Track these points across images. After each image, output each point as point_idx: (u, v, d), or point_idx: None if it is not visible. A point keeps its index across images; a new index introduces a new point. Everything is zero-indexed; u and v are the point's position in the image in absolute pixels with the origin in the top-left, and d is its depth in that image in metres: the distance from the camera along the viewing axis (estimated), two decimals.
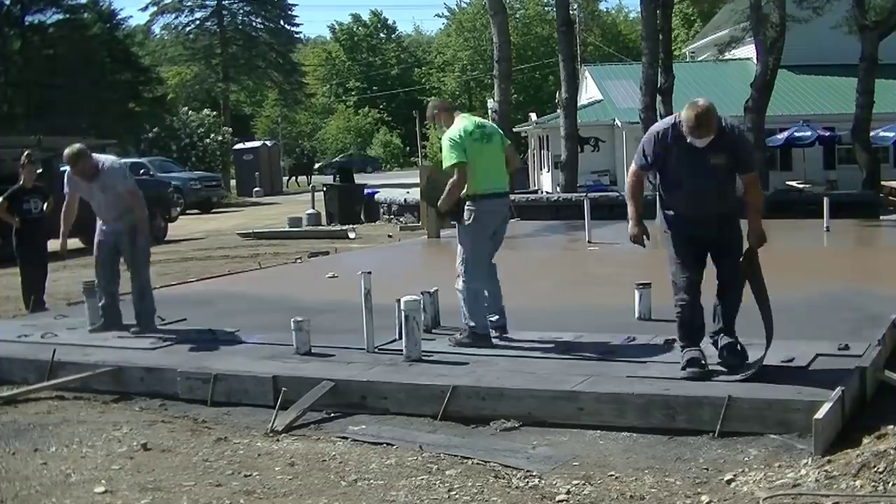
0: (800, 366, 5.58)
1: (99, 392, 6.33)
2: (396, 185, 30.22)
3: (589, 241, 14.28)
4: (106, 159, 7.77)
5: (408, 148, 68.82)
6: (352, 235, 18.91)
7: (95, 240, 7.80)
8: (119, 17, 46.88)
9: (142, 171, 29.74)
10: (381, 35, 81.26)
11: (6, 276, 11.70)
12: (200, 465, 4.66)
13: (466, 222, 6.58)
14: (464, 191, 6.51)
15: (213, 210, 32.39)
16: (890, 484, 3.89)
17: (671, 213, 5.73)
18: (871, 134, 22.56)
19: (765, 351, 5.45)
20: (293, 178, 49.87)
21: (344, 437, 5.19)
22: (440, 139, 6.77)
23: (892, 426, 4.68)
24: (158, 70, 52.83)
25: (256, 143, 45.30)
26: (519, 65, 54.59)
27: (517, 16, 65.10)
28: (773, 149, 25.25)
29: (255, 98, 73.10)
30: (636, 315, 7.39)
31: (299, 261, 13.76)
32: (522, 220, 19.53)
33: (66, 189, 7.79)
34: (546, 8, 65.59)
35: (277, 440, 5.17)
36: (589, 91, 33.81)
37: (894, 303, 7.30)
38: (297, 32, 66.87)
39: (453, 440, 5.10)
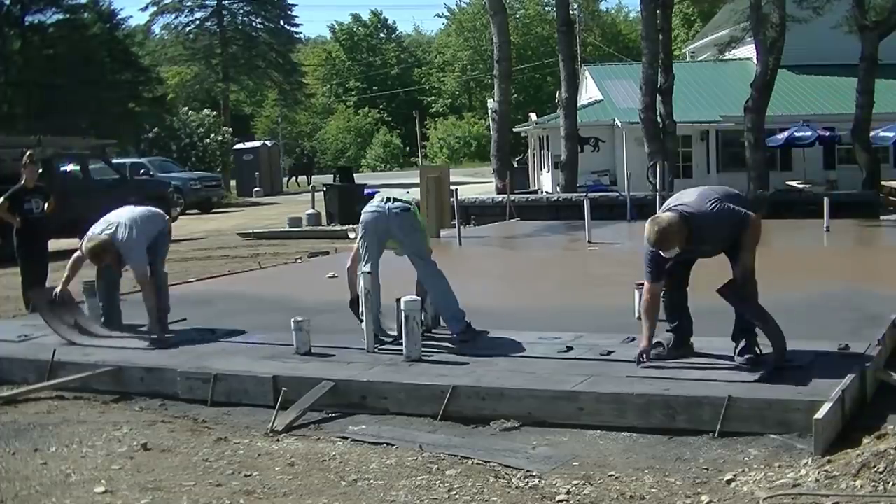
0: (800, 366, 5.58)
1: (99, 392, 6.33)
2: (396, 185, 30.21)
3: (589, 241, 14.27)
4: (122, 235, 7.33)
5: (408, 148, 68.82)
6: (352, 235, 18.87)
7: None
8: (119, 17, 46.83)
9: (142, 171, 29.78)
10: (381, 35, 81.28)
11: (6, 276, 11.70)
12: (200, 465, 4.66)
13: None
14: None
15: (213, 210, 32.38)
16: (890, 484, 3.89)
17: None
18: (871, 134, 22.55)
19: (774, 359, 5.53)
20: (293, 178, 49.86)
21: (344, 437, 5.19)
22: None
23: (892, 426, 4.68)
24: (158, 70, 52.79)
25: (256, 143, 45.27)
26: (519, 65, 54.60)
27: (517, 16, 65.14)
28: (773, 149, 25.24)
29: (255, 98, 73.08)
30: (636, 315, 7.35)
31: (299, 261, 13.76)
32: (522, 220, 19.54)
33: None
34: (546, 8, 65.65)
35: (277, 440, 5.17)
36: (589, 91, 33.80)
37: (894, 303, 7.30)
38: (297, 32, 66.84)
39: (453, 440, 5.10)
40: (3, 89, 40.40)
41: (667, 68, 22.02)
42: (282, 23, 61.37)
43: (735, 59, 29.38)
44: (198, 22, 57.28)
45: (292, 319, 6.65)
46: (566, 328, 6.98)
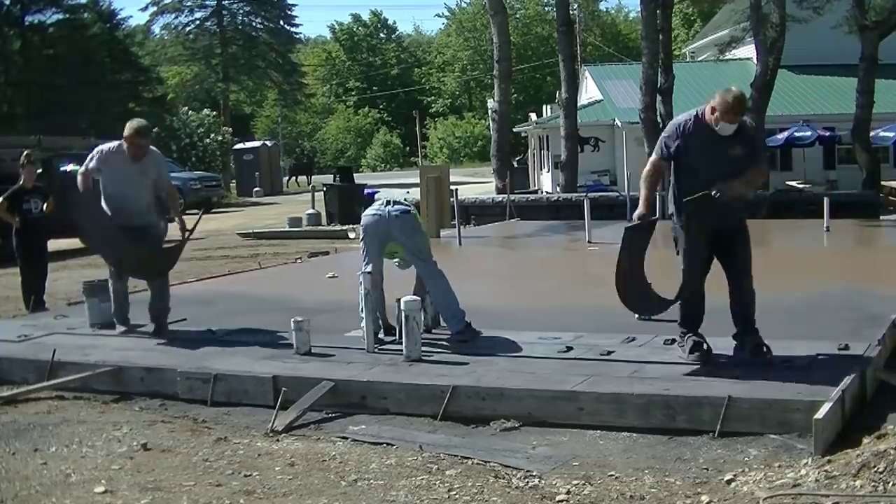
0: (800, 366, 5.59)
1: (99, 392, 6.33)
2: (396, 185, 30.22)
3: (589, 241, 14.27)
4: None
5: (408, 148, 68.82)
6: (352, 235, 18.90)
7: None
8: (119, 17, 46.91)
9: None
10: (381, 35, 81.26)
11: (6, 276, 11.70)
12: (200, 465, 4.66)
13: None
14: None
15: (213, 210, 32.35)
16: (890, 484, 3.89)
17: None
18: (871, 134, 22.56)
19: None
20: (293, 178, 49.88)
21: (344, 437, 5.19)
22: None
23: (892, 426, 4.68)
24: (158, 70, 52.83)
25: (256, 143, 45.25)
26: (519, 65, 54.61)
27: (517, 16, 65.14)
28: (773, 149, 25.23)
29: (255, 98, 73.11)
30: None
31: (299, 261, 13.76)
32: (522, 220, 19.54)
33: (91, 165, 7.47)
34: (546, 8, 65.65)
35: (277, 440, 5.17)
36: (589, 91, 33.81)
37: (894, 303, 7.30)
38: (296, 32, 66.94)
39: (453, 440, 5.10)
40: (3, 89, 40.42)
41: (667, 68, 22.01)
42: (282, 23, 61.44)
43: (735, 59, 29.38)
44: (198, 22, 57.36)
45: (292, 319, 6.65)
46: (566, 328, 6.98)
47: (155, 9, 56.29)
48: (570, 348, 6.35)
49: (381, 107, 74.40)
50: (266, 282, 11.26)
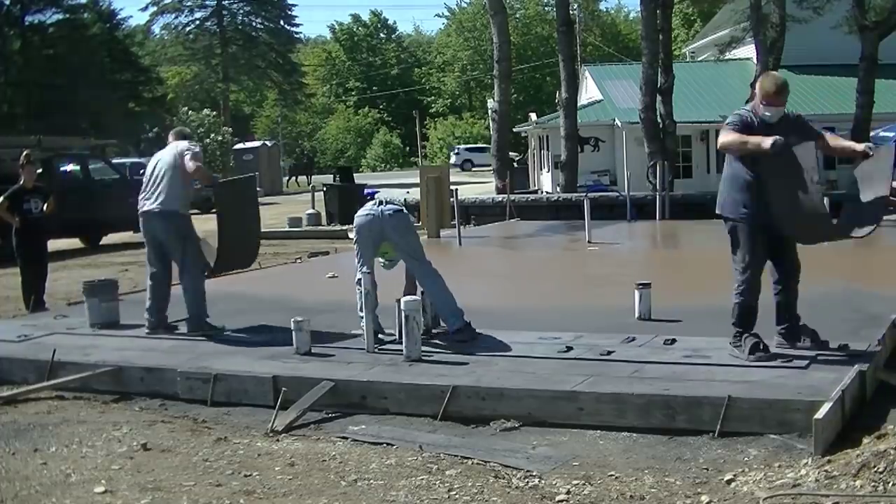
0: (800, 366, 5.58)
1: (99, 392, 6.33)
2: (396, 185, 30.23)
3: (589, 241, 14.27)
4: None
5: (408, 148, 68.82)
6: (352, 235, 18.88)
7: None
8: (119, 17, 47.07)
9: (142, 171, 29.70)
10: (381, 35, 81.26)
11: (6, 276, 11.70)
12: (200, 465, 4.66)
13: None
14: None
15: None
16: (890, 484, 3.89)
17: (753, 202, 5.73)
18: (871, 134, 22.52)
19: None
20: (293, 178, 49.90)
21: (344, 437, 5.19)
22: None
23: (892, 426, 4.68)
24: (158, 70, 52.91)
25: (256, 143, 45.29)
26: (519, 65, 54.60)
27: (517, 16, 65.13)
28: None
29: (255, 98, 73.16)
30: (636, 315, 7.38)
31: (299, 261, 13.76)
32: (522, 220, 19.55)
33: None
34: (546, 8, 65.61)
35: (277, 440, 5.17)
36: (589, 91, 33.80)
37: (894, 303, 7.30)
38: (296, 32, 67.10)
39: (453, 440, 5.10)
40: (3, 89, 40.47)
41: (667, 68, 22.03)
42: (282, 23, 61.57)
43: (735, 59, 29.39)
44: (198, 22, 57.48)
45: (292, 319, 6.66)
46: (566, 328, 6.97)
47: (155, 9, 56.46)
48: (570, 348, 6.35)
49: (381, 107, 74.39)
50: (266, 282, 11.27)
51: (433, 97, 74.00)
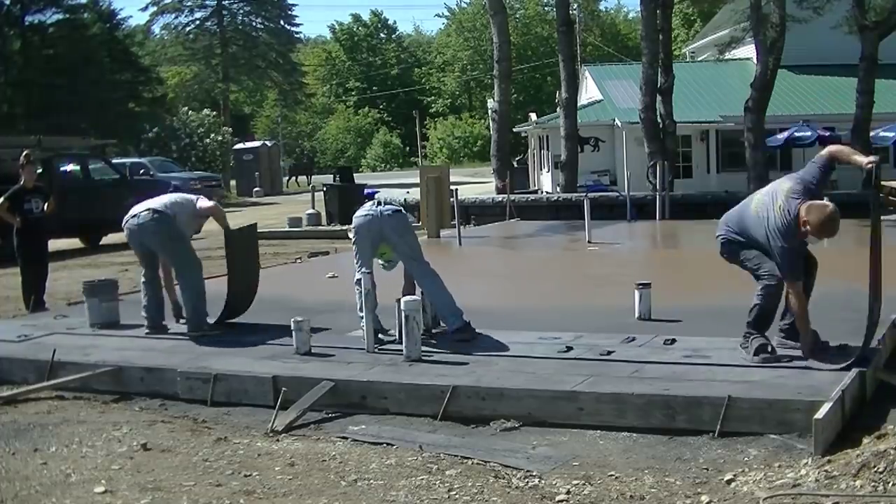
0: (800, 366, 5.58)
1: (99, 392, 6.33)
2: (396, 185, 30.23)
3: (589, 241, 14.27)
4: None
5: (408, 148, 68.83)
6: (352, 235, 18.89)
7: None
8: (119, 17, 46.99)
9: (142, 171, 29.77)
10: (381, 35, 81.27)
11: (6, 276, 11.70)
12: (200, 465, 4.66)
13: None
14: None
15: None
16: (890, 484, 3.89)
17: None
18: (871, 134, 22.55)
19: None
20: (293, 178, 49.90)
21: (344, 437, 5.19)
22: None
23: (892, 426, 4.68)
24: (158, 70, 52.87)
25: (256, 143, 45.26)
26: (519, 65, 54.61)
27: (517, 16, 65.16)
28: (773, 149, 25.23)
29: (255, 98, 73.15)
30: (636, 315, 7.39)
31: (299, 261, 13.76)
32: (522, 220, 19.55)
33: None
34: (546, 8, 65.65)
35: (277, 440, 5.17)
36: (589, 91, 33.79)
37: (894, 303, 7.29)
38: (297, 32, 66.99)
39: (453, 440, 5.10)
40: (3, 89, 40.45)
41: (667, 68, 22.03)
42: (282, 23, 61.48)
43: (735, 59, 29.39)
44: (198, 22, 57.40)
45: (292, 319, 6.66)
46: (566, 328, 6.98)
47: (155, 9, 56.38)
48: (570, 348, 6.35)
49: (381, 107, 74.40)
50: (266, 282, 11.20)
51: (433, 97, 74.01)
